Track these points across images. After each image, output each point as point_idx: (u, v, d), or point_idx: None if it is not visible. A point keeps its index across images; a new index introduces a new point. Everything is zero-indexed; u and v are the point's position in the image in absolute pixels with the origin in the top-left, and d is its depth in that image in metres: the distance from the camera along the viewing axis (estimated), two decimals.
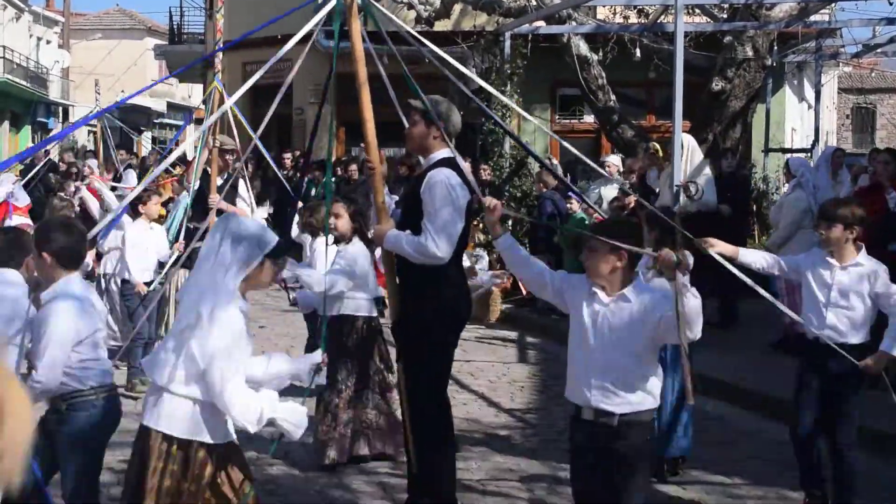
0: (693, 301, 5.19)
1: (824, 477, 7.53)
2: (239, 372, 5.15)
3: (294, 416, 5.33)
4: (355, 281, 8.66)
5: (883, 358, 7.14)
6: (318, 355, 5.72)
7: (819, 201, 13.09)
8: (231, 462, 5.37)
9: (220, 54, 12.03)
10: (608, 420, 5.53)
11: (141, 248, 11.54)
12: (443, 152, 6.96)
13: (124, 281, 11.72)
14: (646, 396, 5.56)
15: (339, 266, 8.61)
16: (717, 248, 6.97)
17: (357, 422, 8.63)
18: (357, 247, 8.80)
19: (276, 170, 15.42)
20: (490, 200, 6.21)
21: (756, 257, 7.53)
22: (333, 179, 20.03)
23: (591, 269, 5.59)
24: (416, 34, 7.56)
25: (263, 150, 13.31)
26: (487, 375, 12.15)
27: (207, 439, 5.23)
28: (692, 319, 5.22)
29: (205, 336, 5.09)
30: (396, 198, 7.44)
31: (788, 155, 23.10)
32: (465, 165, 7.20)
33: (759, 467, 8.81)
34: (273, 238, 5.29)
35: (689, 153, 13.35)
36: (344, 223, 8.84)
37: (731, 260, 7.02)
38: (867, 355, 7.21)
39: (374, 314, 8.93)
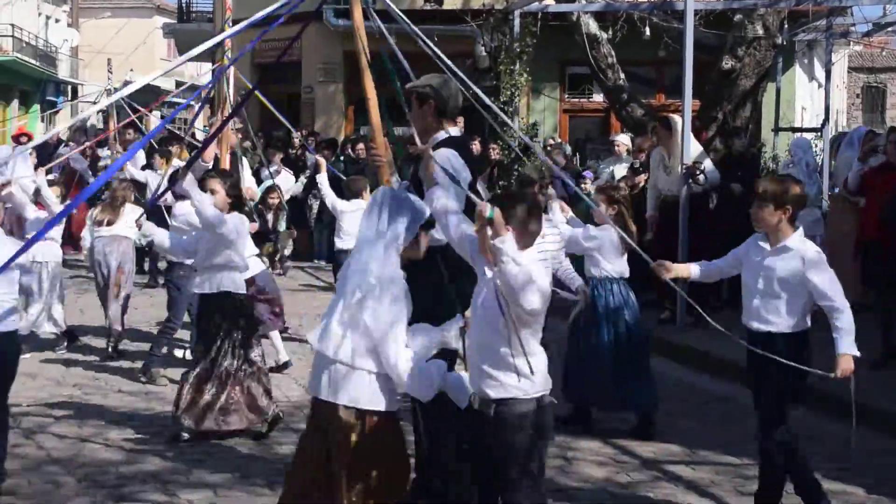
0: (511, 268, 4.99)
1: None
2: (406, 343, 5.37)
3: (460, 384, 5.51)
4: (236, 254, 8.83)
5: (846, 360, 6.63)
6: (460, 319, 5.69)
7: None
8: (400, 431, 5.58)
9: (227, 29, 11.98)
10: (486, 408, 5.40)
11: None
12: (447, 132, 6.92)
13: (174, 263, 11.34)
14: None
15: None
16: (672, 272, 6.94)
17: (229, 397, 8.66)
18: (234, 219, 8.86)
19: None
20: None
21: (712, 271, 7.30)
22: (342, 158, 20.05)
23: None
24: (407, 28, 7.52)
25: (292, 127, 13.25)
26: None
27: (384, 408, 5.39)
28: (513, 289, 5.04)
29: (377, 309, 5.28)
30: (406, 182, 7.39)
31: (798, 134, 23.11)
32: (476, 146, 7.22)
33: None
34: (426, 210, 5.59)
35: (677, 134, 13.25)
36: (221, 198, 8.88)
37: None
38: (802, 346, 6.84)
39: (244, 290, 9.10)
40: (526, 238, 5.30)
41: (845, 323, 6.66)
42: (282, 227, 12.71)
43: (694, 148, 13.50)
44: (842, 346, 6.61)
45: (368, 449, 5.34)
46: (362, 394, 5.33)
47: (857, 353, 6.61)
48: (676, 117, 13.70)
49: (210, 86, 12.77)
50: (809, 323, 6.90)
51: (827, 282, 6.69)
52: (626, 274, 9.24)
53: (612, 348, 9.14)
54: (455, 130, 6.99)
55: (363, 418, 5.33)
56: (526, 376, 5.28)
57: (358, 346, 5.33)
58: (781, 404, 6.94)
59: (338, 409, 5.35)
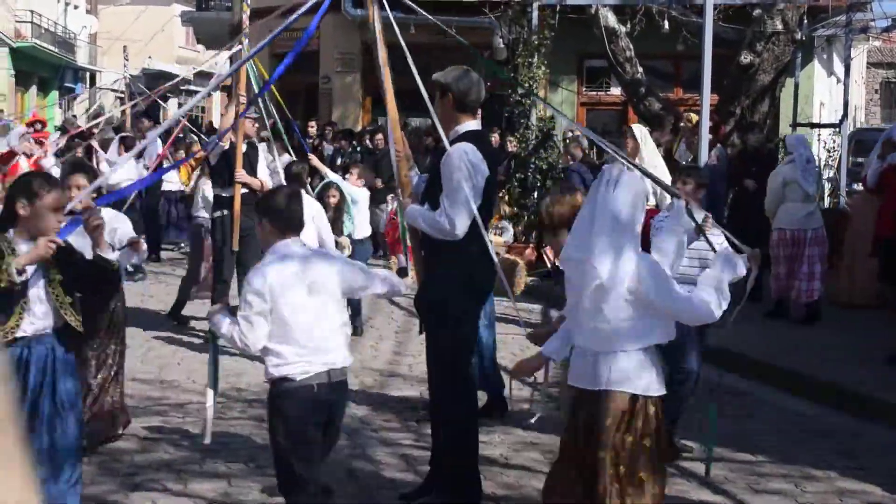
0: None
1: None
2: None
3: None
4: None
5: None
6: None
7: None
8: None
9: (247, 20, 12.02)
10: None
11: None
12: (467, 125, 6.93)
13: None
14: None
15: None
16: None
17: (112, 402, 8.57)
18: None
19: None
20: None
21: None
22: (358, 149, 20.05)
23: None
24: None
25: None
26: (511, 348, 12.11)
27: (658, 392, 5.41)
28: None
29: (642, 290, 5.25)
30: (424, 175, 7.41)
31: (817, 130, 23.05)
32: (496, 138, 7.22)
33: (782, 443, 8.79)
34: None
35: (642, 144, 13.00)
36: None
37: None
38: None
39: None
40: None
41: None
42: (346, 228, 12.49)
43: (651, 157, 13.07)
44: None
45: (640, 432, 5.35)
46: (638, 379, 5.35)
47: None
48: (640, 127, 13.48)
49: (228, 75, 12.73)
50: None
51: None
52: None
53: None
54: (475, 123, 6.99)
55: (642, 403, 5.35)
56: None
57: (632, 330, 5.32)
58: None
59: (614, 396, 5.33)
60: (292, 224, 5.91)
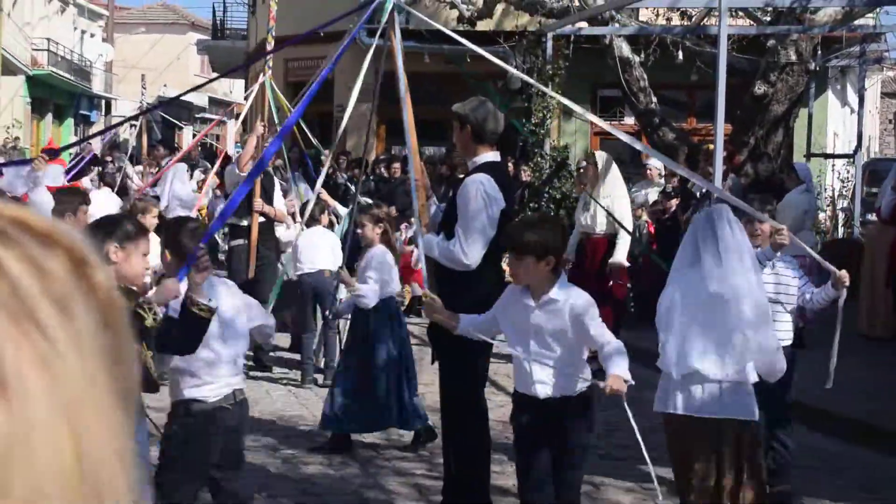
0: None
1: None
2: None
3: None
4: None
5: (615, 379, 5.70)
6: None
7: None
8: None
9: (272, 41, 12.15)
10: None
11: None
12: (486, 156, 6.97)
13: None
14: None
15: None
16: (438, 314, 6.54)
17: None
18: None
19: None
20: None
21: (478, 327, 6.50)
22: (372, 178, 20.09)
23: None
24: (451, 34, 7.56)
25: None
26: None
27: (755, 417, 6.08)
28: None
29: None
30: (442, 205, 7.48)
31: (831, 160, 23.04)
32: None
33: (801, 477, 8.74)
34: None
35: (603, 170, 12.85)
36: None
37: None
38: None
39: None
40: None
41: (613, 349, 5.85)
42: None
43: (611, 185, 12.86)
44: (611, 368, 5.76)
45: (756, 456, 6.01)
46: (746, 406, 5.97)
47: (629, 378, 5.75)
48: (603, 154, 13.28)
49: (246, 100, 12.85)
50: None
51: (599, 327, 5.97)
52: None
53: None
54: (492, 154, 7.01)
55: (749, 428, 5.98)
56: None
57: (738, 364, 5.90)
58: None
59: (735, 424, 5.95)
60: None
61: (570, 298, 5.94)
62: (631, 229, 12.90)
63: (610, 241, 12.52)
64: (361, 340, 9.42)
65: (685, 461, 6.01)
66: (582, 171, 13.74)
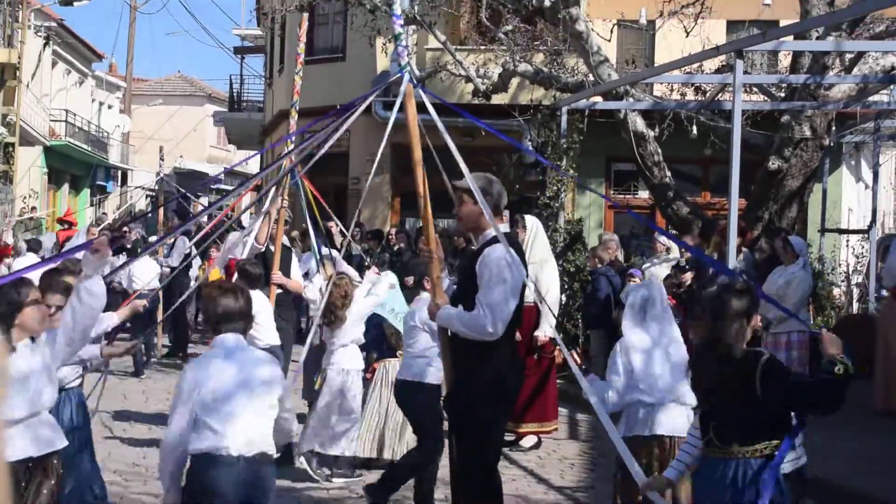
0: None
1: None
2: None
3: None
4: None
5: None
6: None
7: None
8: None
9: (295, 115, 12.28)
10: None
11: None
12: (494, 229, 6.94)
13: None
14: None
15: None
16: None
17: None
18: None
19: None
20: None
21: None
22: (387, 254, 20.11)
23: None
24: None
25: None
26: (537, 451, 12.04)
27: None
28: None
29: None
30: (454, 277, 7.50)
31: (845, 235, 23.00)
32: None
33: None
34: None
35: (532, 235, 12.32)
36: None
37: None
38: None
39: None
40: None
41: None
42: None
43: (539, 250, 12.39)
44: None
45: None
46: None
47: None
48: (532, 218, 12.85)
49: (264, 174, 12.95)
50: None
51: None
52: None
53: None
54: (503, 227, 7.01)
55: None
56: None
57: None
58: None
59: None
60: None
61: None
62: (556, 298, 12.61)
63: (537, 311, 11.73)
64: None
65: None
66: (597, 245, 13.68)
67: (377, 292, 10.99)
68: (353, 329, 10.83)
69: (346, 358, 10.74)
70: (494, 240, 6.88)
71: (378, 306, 11.07)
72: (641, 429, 7.44)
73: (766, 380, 5.62)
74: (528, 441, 12.32)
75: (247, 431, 5.88)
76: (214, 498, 5.81)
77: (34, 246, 21.07)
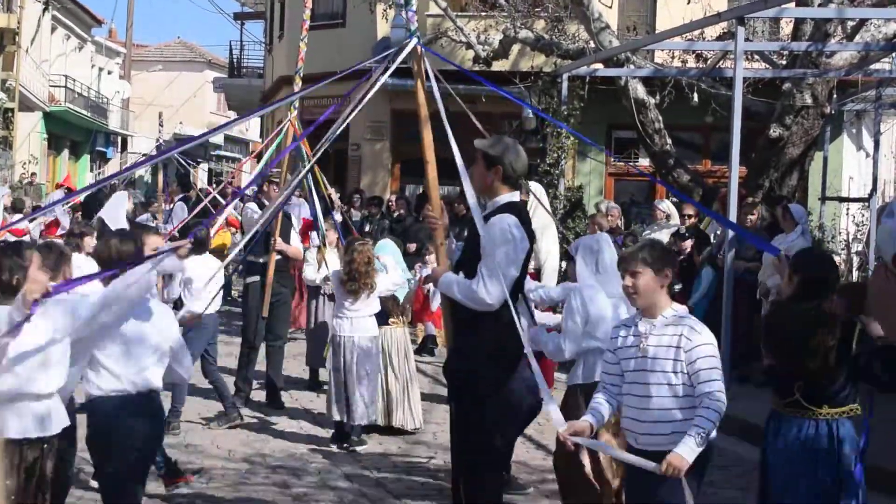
0: None
1: None
2: None
3: None
4: None
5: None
6: None
7: None
8: None
9: (299, 82, 12.22)
10: None
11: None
12: (506, 196, 6.85)
13: None
14: None
15: None
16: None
17: None
18: None
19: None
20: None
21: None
22: (387, 220, 20.12)
23: None
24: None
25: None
26: (537, 418, 12.05)
27: None
28: None
29: None
30: (459, 243, 7.44)
31: (846, 203, 22.99)
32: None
33: None
34: None
35: (534, 201, 12.29)
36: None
37: None
38: None
39: None
40: None
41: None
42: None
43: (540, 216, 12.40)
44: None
45: None
46: None
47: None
48: (536, 184, 12.73)
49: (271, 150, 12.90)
50: None
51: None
52: None
53: None
54: (514, 195, 6.93)
55: None
56: None
57: None
58: None
59: None
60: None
61: None
62: (556, 265, 12.57)
63: (537, 277, 11.64)
64: None
65: None
66: (596, 212, 13.64)
67: (391, 267, 11.12)
68: (377, 300, 10.86)
69: (370, 325, 10.77)
70: (504, 207, 6.81)
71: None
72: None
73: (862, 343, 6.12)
74: None
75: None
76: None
77: (18, 205, 20.87)
